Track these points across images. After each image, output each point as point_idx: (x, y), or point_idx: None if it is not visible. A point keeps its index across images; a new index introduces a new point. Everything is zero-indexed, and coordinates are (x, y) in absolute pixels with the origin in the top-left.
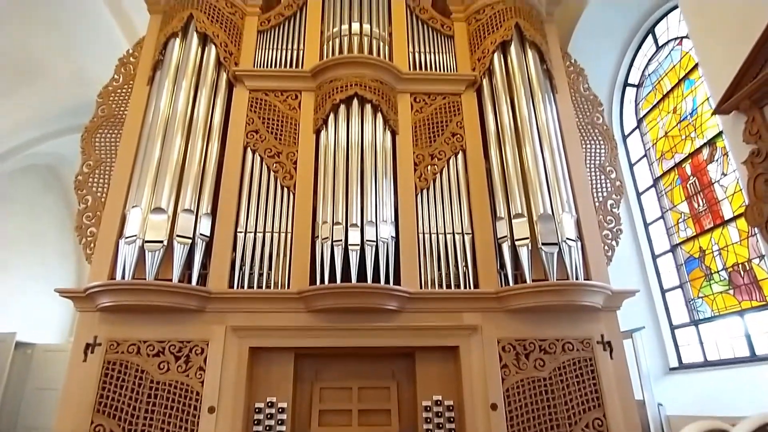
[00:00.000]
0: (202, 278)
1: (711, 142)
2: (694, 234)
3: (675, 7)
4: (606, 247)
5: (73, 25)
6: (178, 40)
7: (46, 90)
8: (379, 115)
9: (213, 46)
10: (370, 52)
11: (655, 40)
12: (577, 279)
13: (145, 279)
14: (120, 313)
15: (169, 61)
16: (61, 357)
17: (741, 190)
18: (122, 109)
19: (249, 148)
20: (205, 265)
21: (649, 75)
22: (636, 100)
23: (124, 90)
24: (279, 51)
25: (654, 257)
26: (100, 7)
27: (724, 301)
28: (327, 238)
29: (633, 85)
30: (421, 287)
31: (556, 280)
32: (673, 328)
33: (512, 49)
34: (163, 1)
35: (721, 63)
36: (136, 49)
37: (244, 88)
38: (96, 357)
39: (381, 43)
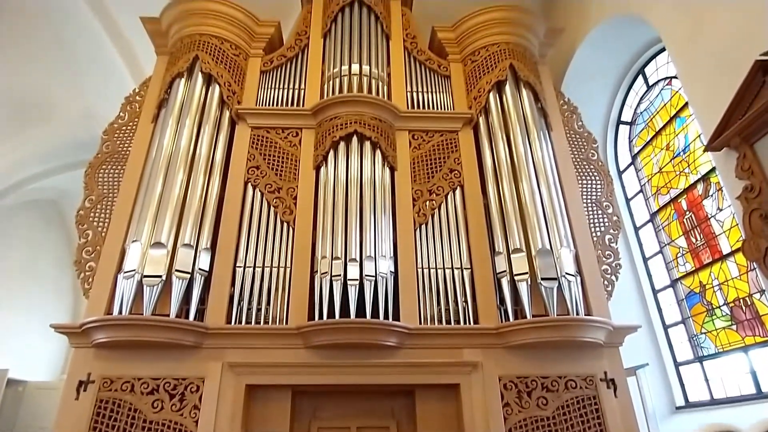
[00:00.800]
0: (200, 313)
1: (705, 178)
2: (694, 268)
3: (663, 49)
4: (606, 282)
5: (85, 68)
6: (183, 80)
7: (53, 127)
8: (378, 151)
9: (217, 86)
10: (369, 91)
11: (646, 80)
12: (577, 314)
13: (142, 314)
14: (115, 349)
15: (174, 100)
16: (52, 395)
17: (737, 224)
18: (126, 145)
19: (250, 184)
20: (203, 300)
21: (641, 113)
22: (630, 137)
23: (128, 127)
24: (281, 90)
25: (654, 292)
26: (111, 51)
27: (728, 336)
28: (326, 272)
29: (626, 123)
30: (420, 323)
31: (557, 315)
32: (677, 365)
33: (507, 88)
34: (170, 43)
35: (710, 101)
36: (142, 88)
37: (246, 125)
38: (89, 395)
39: (380, 83)
